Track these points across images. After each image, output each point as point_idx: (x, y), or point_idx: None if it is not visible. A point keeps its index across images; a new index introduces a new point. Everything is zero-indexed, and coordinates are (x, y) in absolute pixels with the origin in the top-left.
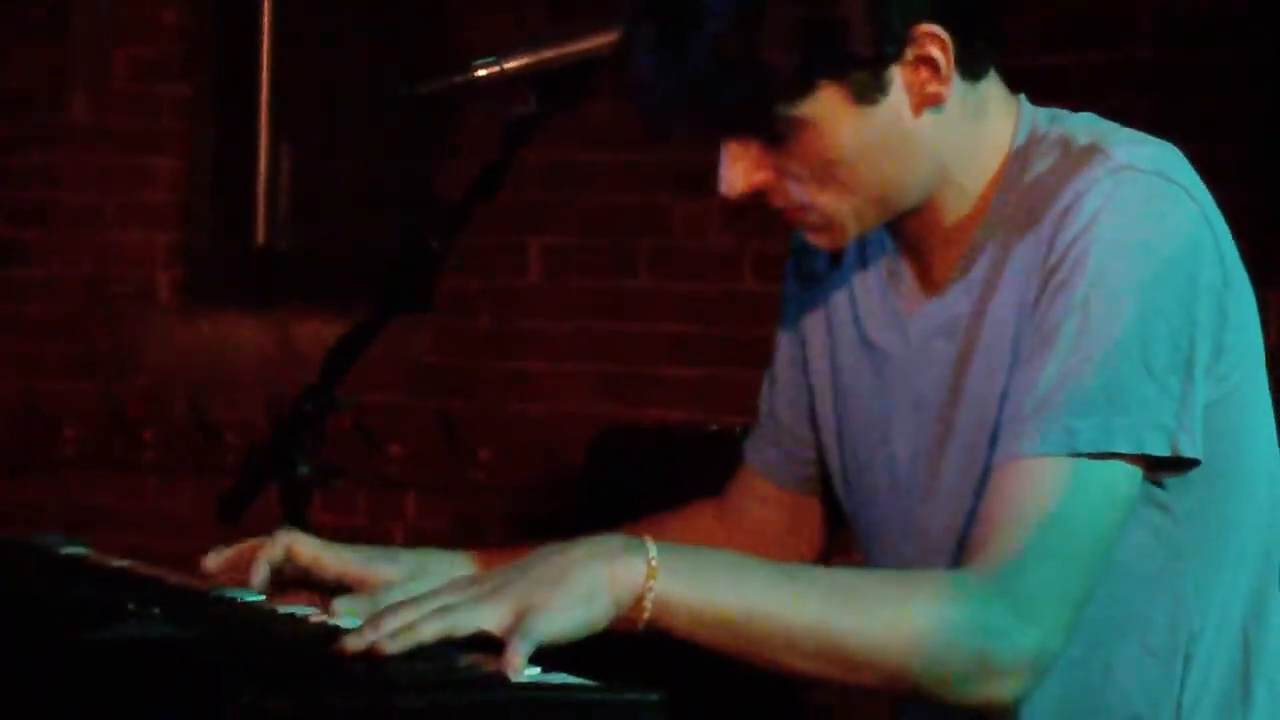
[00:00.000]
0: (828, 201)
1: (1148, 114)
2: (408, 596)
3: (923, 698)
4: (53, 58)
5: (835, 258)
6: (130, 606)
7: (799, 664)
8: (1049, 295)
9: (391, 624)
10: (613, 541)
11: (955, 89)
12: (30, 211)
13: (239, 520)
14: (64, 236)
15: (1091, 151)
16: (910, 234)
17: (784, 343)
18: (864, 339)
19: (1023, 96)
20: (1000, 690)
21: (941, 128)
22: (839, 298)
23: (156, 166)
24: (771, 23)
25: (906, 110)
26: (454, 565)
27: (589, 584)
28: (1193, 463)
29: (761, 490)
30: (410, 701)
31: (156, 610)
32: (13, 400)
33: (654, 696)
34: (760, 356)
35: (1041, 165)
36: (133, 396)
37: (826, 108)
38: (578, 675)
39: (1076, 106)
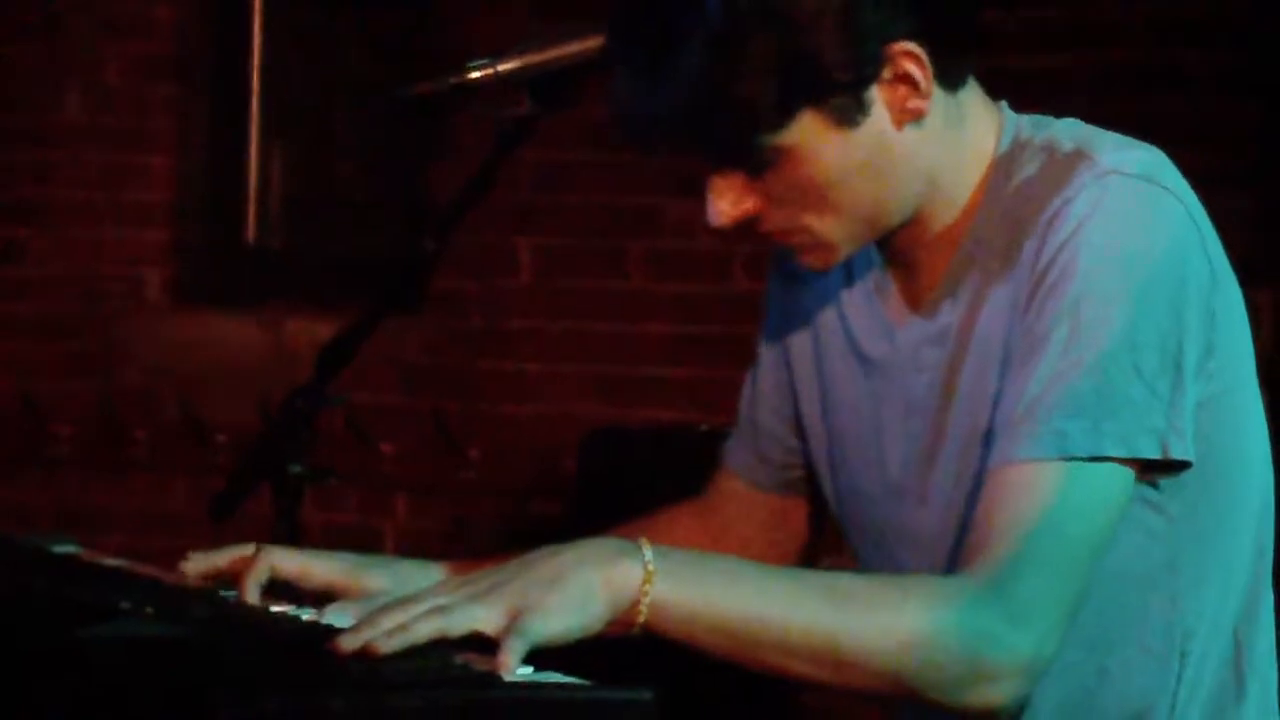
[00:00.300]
0: (817, 224)
1: (1140, 116)
2: (400, 597)
3: (918, 702)
4: (45, 55)
5: None
6: (123, 605)
7: (794, 667)
8: (1038, 301)
9: (385, 623)
10: (608, 544)
11: (935, 100)
12: (22, 209)
13: (231, 518)
14: (56, 234)
15: (1077, 157)
16: (898, 245)
17: (767, 348)
18: (853, 346)
19: (1004, 103)
20: (995, 695)
21: (924, 141)
22: (824, 305)
23: (148, 165)
24: (747, 55)
25: (888, 128)
26: (428, 576)
27: (584, 586)
28: (1184, 464)
29: (740, 493)
30: (404, 701)
31: (149, 609)
32: (4, 398)
33: (647, 695)
34: (753, 356)
35: (1026, 172)
36: (124, 395)
37: (808, 134)
38: (571, 675)
39: (1068, 108)
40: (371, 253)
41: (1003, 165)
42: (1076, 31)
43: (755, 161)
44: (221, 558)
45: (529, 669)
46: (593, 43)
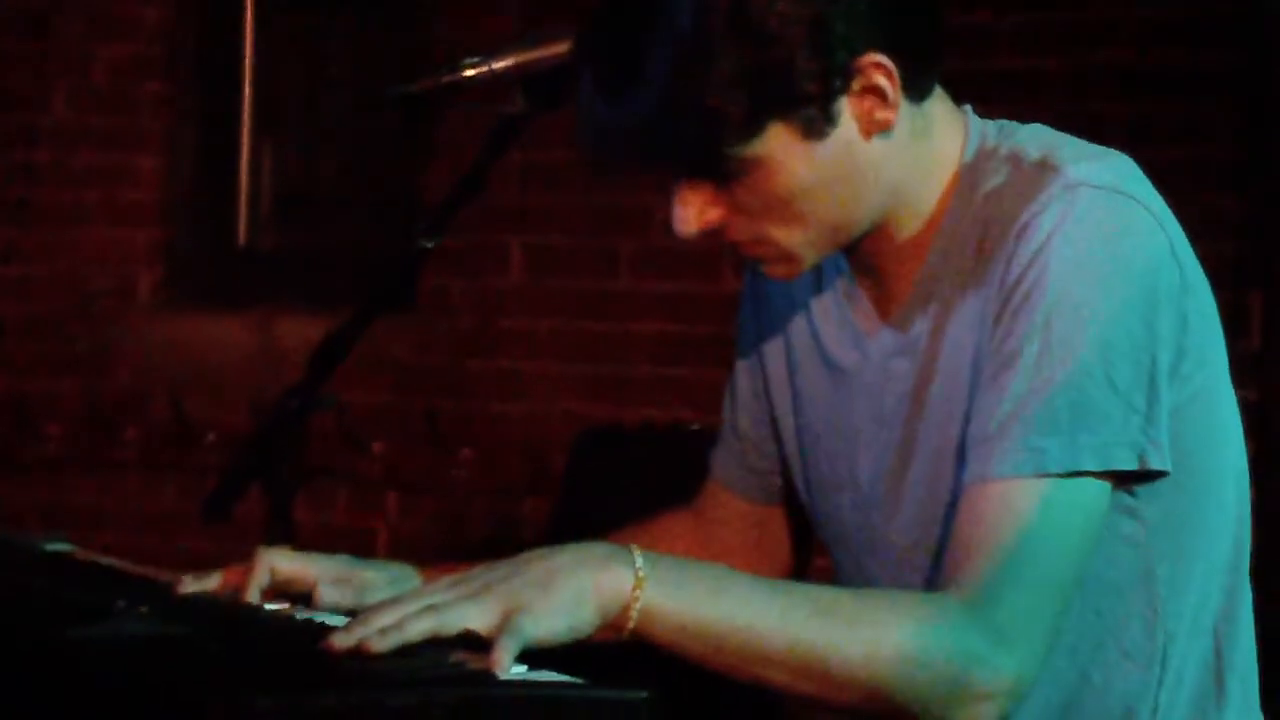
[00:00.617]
0: (782, 235)
1: (1131, 117)
2: (393, 595)
3: (903, 718)
4: (33, 55)
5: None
6: (116, 604)
7: (779, 679)
8: (1009, 316)
9: (378, 622)
10: (600, 549)
11: (902, 112)
12: (10, 210)
13: (223, 519)
14: (45, 235)
15: (1043, 168)
16: (864, 255)
17: (742, 355)
18: (823, 356)
19: (969, 108)
20: (979, 714)
21: (891, 152)
22: (796, 313)
23: (138, 165)
24: (716, 68)
25: (856, 139)
26: (408, 578)
27: (576, 590)
28: (1161, 474)
29: (727, 503)
30: (398, 699)
31: (143, 608)
32: None
33: (642, 694)
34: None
35: (993, 182)
36: (113, 395)
37: (776, 146)
38: (565, 674)
39: (1057, 110)
40: (362, 253)
41: (968, 175)
42: (1066, 33)
43: (722, 172)
44: (215, 579)
45: (523, 668)
46: None
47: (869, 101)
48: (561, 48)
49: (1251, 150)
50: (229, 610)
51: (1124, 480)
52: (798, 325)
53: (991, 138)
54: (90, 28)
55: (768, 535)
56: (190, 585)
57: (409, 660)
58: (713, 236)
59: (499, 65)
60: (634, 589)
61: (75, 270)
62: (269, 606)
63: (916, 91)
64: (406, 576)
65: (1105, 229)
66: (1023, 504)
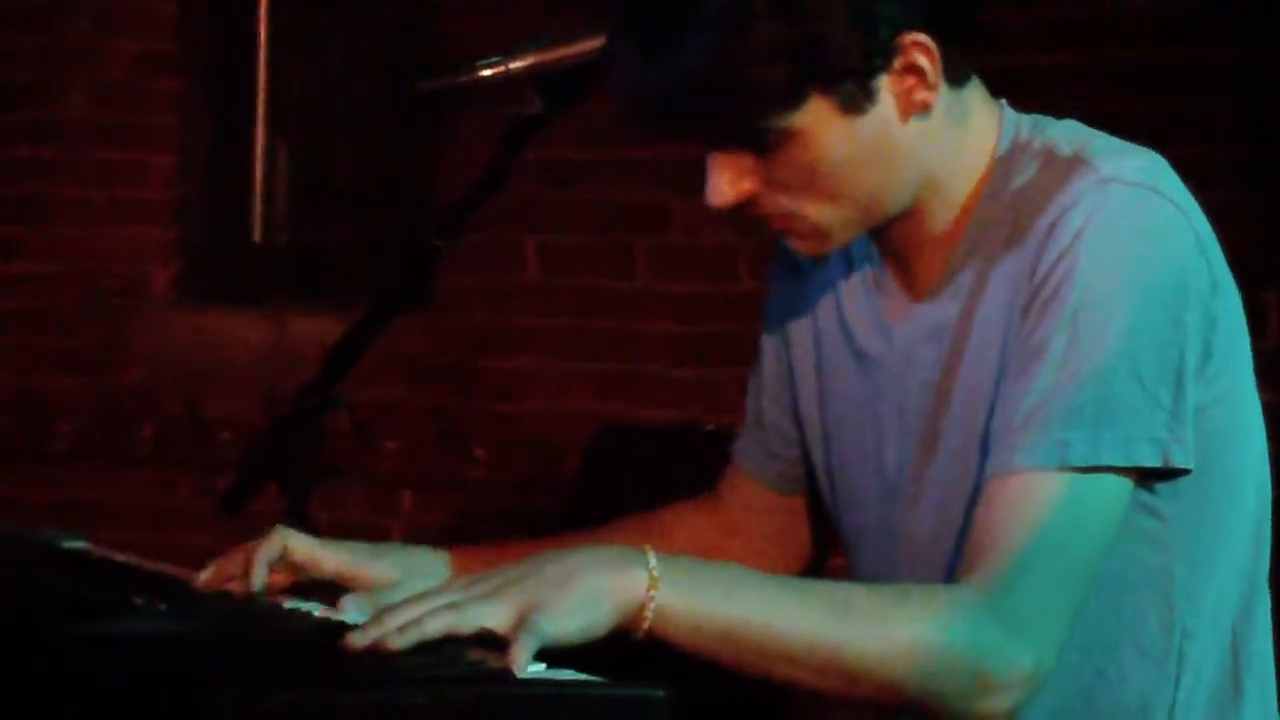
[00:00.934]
0: (815, 210)
1: (1143, 114)
2: (411, 594)
3: (919, 710)
4: (48, 51)
5: (819, 264)
6: (133, 601)
7: (796, 676)
8: (1037, 309)
9: (396, 620)
10: (615, 551)
11: (940, 95)
12: (25, 206)
13: (239, 516)
14: (59, 231)
15: (1075, 163)
16: (895, 241)
17: (768, 344)
18: (850, 344)
19: (1004, 101)
20: (995, 705)
21: (927, 135)
22: (824, 301)
23: (152, 161)
24: (757, 38)
25: (894, 118)
26: (436, 562)
27: (592, 590)
28: (1184, 471)
29: (750, 492)
30: (415, 697)
31: (160, 605)
32: (7, 394)
33: (660, 693)
34: (756, 352)
35: (1025, 176)
36: (127, 392)
37: (814, 119)
38: (583, 673)
39: (1069, 107)
40: (376, 249)
41: (1002, 167)
42: (1077, 30)
43: (759, 143)
44: (237, 554)
45: (541, 666)
46: (603, 40)
47: (909, 81)
48: (578, 47)
49: (1267, 148)
50: (245, 607)
51: (1146, 477)
52: (826, 313)
53: (1025, 131)
54: (103, 24)
55: (789, 525)
56: (208, 573)
57: (426, 658)
58: (734, 238)
59: (516, 65)
60: (649, 589)
61: (89, 267)
62: (286, 604)
63: (955, 76)
64: (434, 563)
65: (1136, 226)
66: (1043, 496)
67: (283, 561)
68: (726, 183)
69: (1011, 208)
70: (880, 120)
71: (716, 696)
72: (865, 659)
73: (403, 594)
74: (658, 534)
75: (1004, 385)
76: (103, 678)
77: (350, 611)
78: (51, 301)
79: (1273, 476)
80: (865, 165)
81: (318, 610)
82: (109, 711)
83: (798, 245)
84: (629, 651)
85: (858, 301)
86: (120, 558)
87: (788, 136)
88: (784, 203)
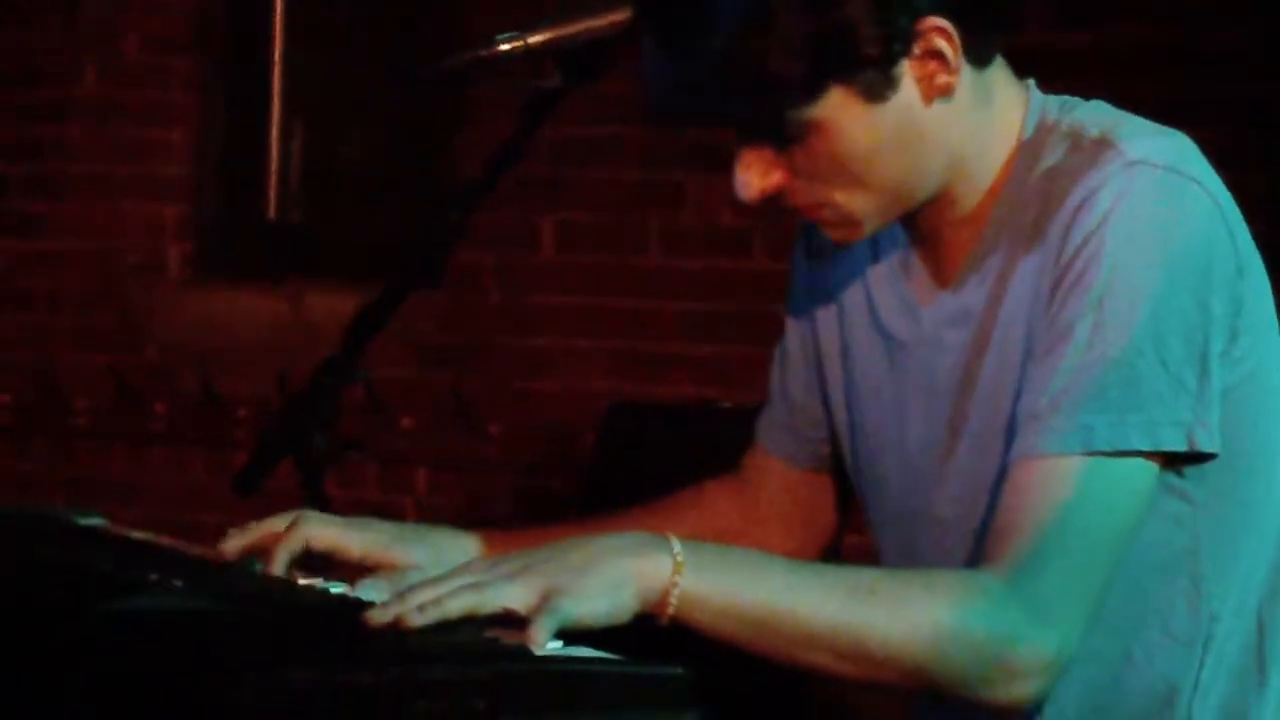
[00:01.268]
0: (843, 199)
1: (1161, 96)
2: (433, 575)
3: (943, 696)
4: (65, 30)
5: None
6: (151, 578)
7: (820, 661)
8: (1063, 292)
9: (417, 599)
10: (638, 537)
11: (964, 78)
12: (41, 184)
13: (254, 493)
14: (75, 209)
15: (1102, 145)
16: (922, 224)
17: (794, 322)
18: (877, 324)
19: (1031, 82)
20: (1018, 691)
21: (952, 118)
22: (850, 283)
23: (168, 139)
24: (778, 31)
25: (917, 104)
26: (464, 545)
27: (615, 575)
28: (1210, 455)
29: (773, 470)
30: (434, 673)
31: (178, 582)
32: (23, 372)
33: (679, 671)
34: (772, 334)
35: (1052, 158)
36: (142, 369)
37: (837, 109)
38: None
39: (1086, 88)
40: (391, 227)
41: (1028, 149)
42: (1094, 11)
43: (783, 135)
44: (257, 532)
45: (559, 643)
46: (622, 15)
47: (930, 66)
48: (597, 21)
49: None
50: (264, 584)
51: (1173, 460)
52: (853, 294)
53: (1052, 112)
54: (121, 4)
55: (812, 501)
56: (231, 539)
57: (446, 636)
58: (750, 217)
59: (534, 40)
60: (673, 574)
61: (105, 245)
62: (304, 581)
63: (978, 58)
64: (462, 545)
65: (1162, 208)
66: (1068, 481)
67: (308, 553)
68: (754, 176)
69: (1038, 190)
70: (903, 106)
71: (739, 682)
72: (889, 644)
73: (422, 574)
74: (682, 514)
75: (1029, 368)
76: (121, 655)
77: (368, 590)
78: (68, 280)
79: None
80: (891, 152)
81: (336, 588)
82: (127, 688)
83: (830, 234)
84: (652, 638)
85: (884, 284)
86: (137, 535)
87: (811, 128)
88: (813, 193)
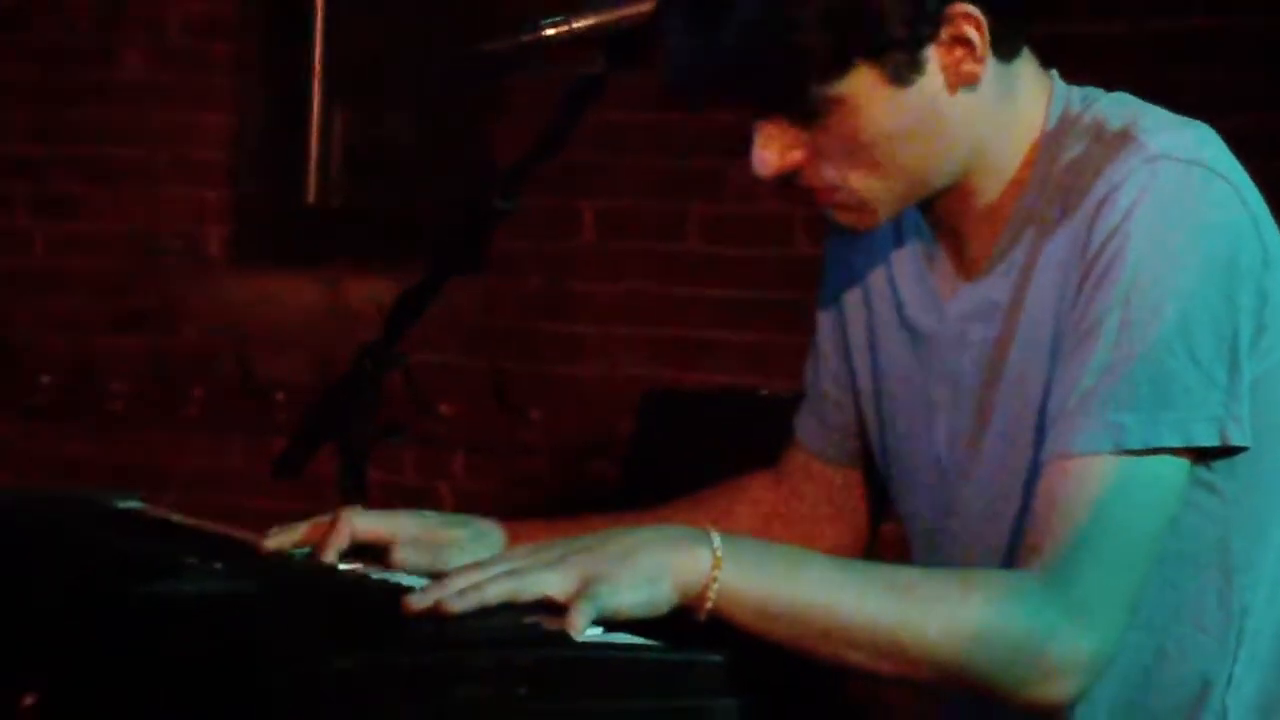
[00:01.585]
0: (859, 182)
1: (1193, 85)
2: (472, 560)
3: (979, 695)
4: (106, 12)
5: (872, 240)
6: (189, 561)
7: (856, 659)
8: (1089, 289)
9: (457, 584)
10: (678, 530)
11: (989, 69)
12: (81, 166)
13: (296, 477)
14: (115, 192)
15: (1124, 139)
16: (944, 216)
17: (824, 317)
18: (903, 319)
19: (1054, 73)
20: (1057, 691)
21: (975, 108)
22: (877, 275)
23: (208, 122)
24: (805, 4)
25: (941, 90)
26: (491, 534)
27: (655, 567)
28: (1241, 448)
29: (809, 465)
30: (475, 659)
31: (217, 565)
32: (61, 355)
33: (716, 658)
34: (812, 321)
35: (1074, 151)
36: (181, 353)
37: (861, 88)
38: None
39: (1111, 77)
40: (431, 211)
41: (1051, 141)
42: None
43: (806, 111)
44: (299, 531)
45: (598, 630)
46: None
47: (957, 53)
48: (641, 6)
49: None
50: (303, 569)
51: (1203, 454)
52: (879, 288)
53: (1075, 105)
54: None
55: (849, 498)
56: (274, 537)
57: (484, 622)
58: (791, 203)
59: (579, 25)
60: (712, 569)
61: (144, 227)
62: (343, 566)
63: (1004, 49)
64: (490, 534)
65: (1186, 202)
66: (1101, 480)
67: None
68: (773, 153)
69: (1061, 183)
70: (928, 92)
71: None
72: (926, 643)
73: (463, 559)
74: (721, 507)
75: (1058, 366)
76: (158, 637)
77: (404, 559)
78: (107, 263)
79: None
80: (911, 137)
81: (375, 574)
82: (165, 671)
83: (842, 218)
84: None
85: (909, 277)
86: (175, 518)
87: (834, 105)
88: (829, 174)
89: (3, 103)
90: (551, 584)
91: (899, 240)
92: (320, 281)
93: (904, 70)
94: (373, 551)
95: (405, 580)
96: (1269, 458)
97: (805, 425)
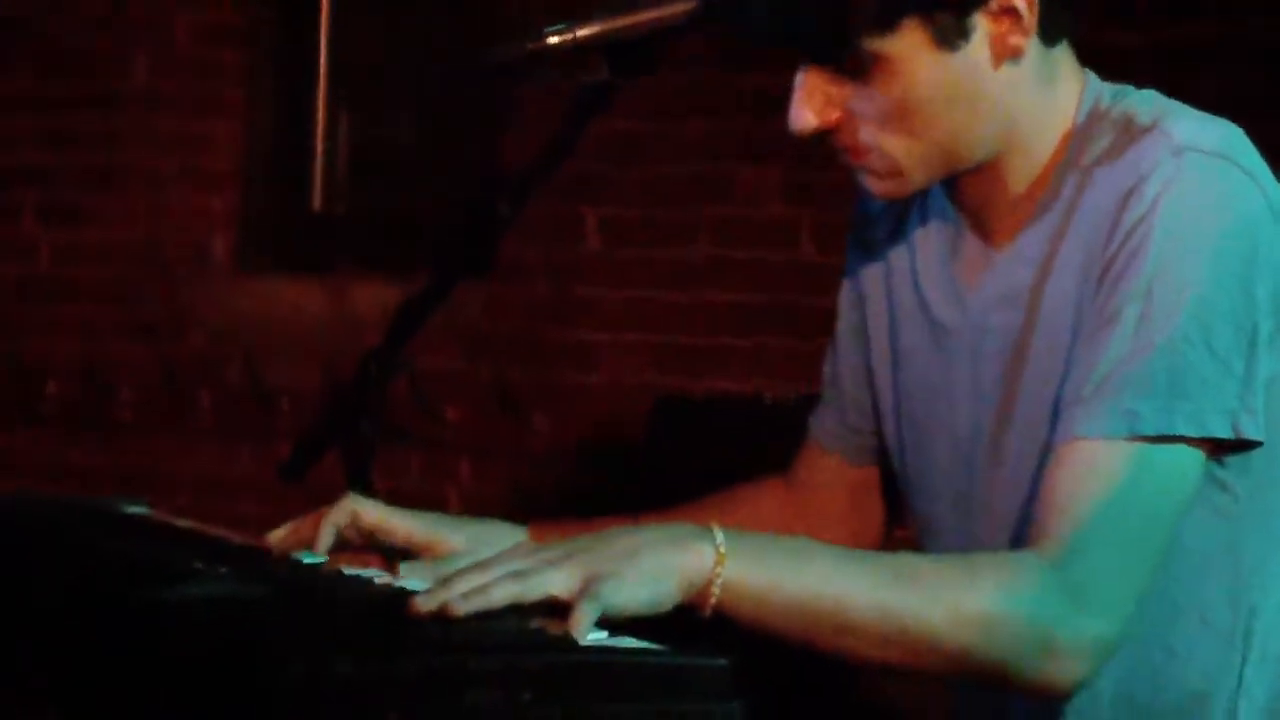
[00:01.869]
0: (894, 145)
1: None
2: (476, 561)
3: (986, 682)
4: (114, 22)
5: (894, 231)
6: (196, 565)
7: (863, 649)
8: (1111, 278)
9: (461, 586)
10: (681, 528)
11: (1032, 49)
12: (89, 175)
13: (301, 481)
14: (122, 199)
15: (1152, 132)
16: (971, 200)
17: (844, 310)
18: (924, 311)
19: (1089, 71)
20: (1062, 675)
21: (1015, 85)
22: (899, 267)
23: (215, 130)
24: None
25: (985, 61)
26: (512, 536)
27: (658, 564)
28: (1255, 443)
29: (825, 466)
30: (481, 663)
31: (223, 570)
32: (69, 363)
33: (722, 662)
34: (820, 328)
35: (1103, 142)
36: (188, 360)
37: (908, 47)
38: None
39: (1143, 82)
40: (437, 218)
41: (1081, 134)
42: (1151, 5)
43: (851, 63)
44: (308, 517)
45: (603, 633)
46: (673, 9)
47: (1004, 24)
48: (647, 16)
49: None
50: (308, 573)
51: (1217, 450)
52: (901, 279)
53: (1105, 99)
54: None
55: (864, 499)
56: (279, 533)
57: (490, 624)
58: (801, 203)
59: (583, 33)
60: (715, 565)
61: (152, 235)
62: (348, 570)
63: (1049, 32)
64: (512, 538)
65: (1210, 195)
66: (1112, 465)
67: (352, 527)
68: (812, 109)
69: (1088, 174)
70: (971, 60)
71: (781, 674)
72: (932, 629)
73: (465, 560)
74: (731, 512)
75: (1076, 352)
76: (164, 642)
77: (410, 579)
78: (114, 271)
79: None
80: (951, 104)
81: (378, 577)
82: (171, 676)
83: (872, 183)
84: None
85: (932, 269)
86: (182, 523)
87: (879, 62)
88: (865, 136)
89: (10, 111)
90: (555, 583)
91: (924, 230)
92: (327, 288)
93: (951, 34)
94: (374, 545)
95: (409, 584)
96: None
97: (822, 423)
